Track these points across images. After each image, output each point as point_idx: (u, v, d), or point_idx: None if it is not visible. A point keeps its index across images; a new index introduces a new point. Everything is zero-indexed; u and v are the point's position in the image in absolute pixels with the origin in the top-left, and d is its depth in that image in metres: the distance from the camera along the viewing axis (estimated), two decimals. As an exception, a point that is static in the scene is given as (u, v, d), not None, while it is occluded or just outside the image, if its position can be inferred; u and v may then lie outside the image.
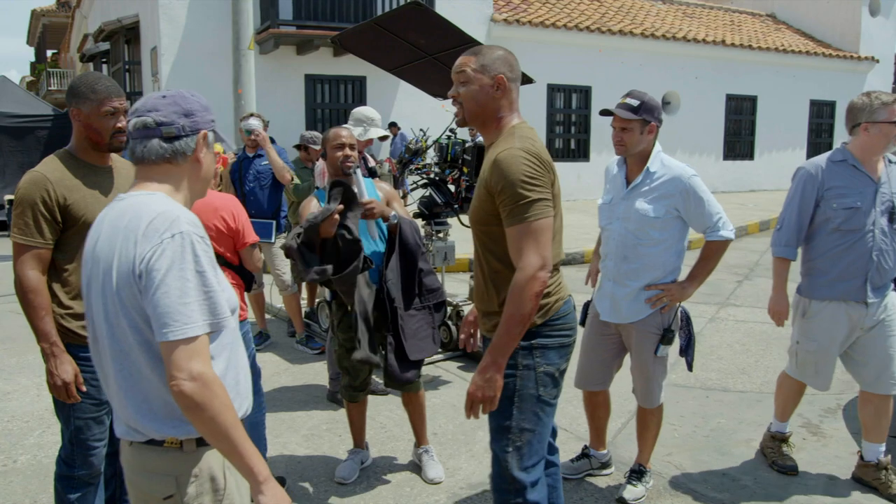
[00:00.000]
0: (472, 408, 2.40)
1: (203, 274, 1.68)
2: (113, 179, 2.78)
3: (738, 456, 4.03)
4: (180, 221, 1.69)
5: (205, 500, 1.79)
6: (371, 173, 4.86)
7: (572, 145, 17.53)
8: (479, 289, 2.59)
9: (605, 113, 3.39)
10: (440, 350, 3.83)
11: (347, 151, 3.65)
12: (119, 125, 2.67)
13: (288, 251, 3.39)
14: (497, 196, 2.33)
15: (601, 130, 17.26)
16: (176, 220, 1.68)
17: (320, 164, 4.80)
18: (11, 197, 10.24)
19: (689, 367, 3.54)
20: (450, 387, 5.13)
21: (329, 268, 3.41)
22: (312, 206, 3.71)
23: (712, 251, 3.39)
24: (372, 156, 5.49)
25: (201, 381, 1.62)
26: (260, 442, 3.59)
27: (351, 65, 13.65)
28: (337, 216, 3.37)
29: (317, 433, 4.40)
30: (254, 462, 1.68)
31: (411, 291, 3.66)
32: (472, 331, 2.96)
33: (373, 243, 3.68)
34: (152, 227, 1.67)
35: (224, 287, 1.77)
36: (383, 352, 3.66)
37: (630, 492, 3.54)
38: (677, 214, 3.31)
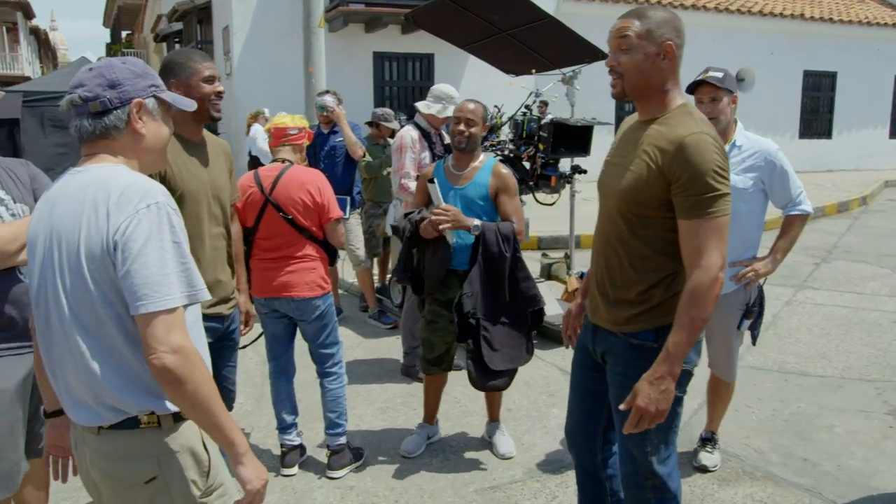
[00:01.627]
0: (639, 423, 2.17)
1: (180, 245, 1.63)
2: (207, 153, 2.85)
3: (820, 441, 3.93)
4: (154, 192, 1.63)
5: (190, 474, 1.73)
6: (447, 150, 4.86)
7: (641, 123, 17.16)
8: (612, 274, 2.34)
9: (692, 87, 3.33)
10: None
11: (461, 127, 3.59)
12: (218, 90, 2.74)
13: (396, 231, 3.49)
14: (678, 183, 2.11)
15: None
16: (150, 191, 1.63)
17: (397, 140, 4.83)
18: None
19: (754, 341, 3.64)
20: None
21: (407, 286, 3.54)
22: (431, 173, 3.65)
23: (794, 224, 3.47)
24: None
25: (182, 354, 1.56)
26: (341, 415, 3.67)
27: (419, 42, 13.64)
28: (438, 229, 3.42)
29: (391, 406, 4.48)
30: (234, 435, 1.66)
31: (498, 301, 3.50)
32: (575, 326, 2.72)
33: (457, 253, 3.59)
34: (125, 197, 1.60)
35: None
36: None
37: (709, 458, 3.66)
38: (762, 187, 3.39)
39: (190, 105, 1.89)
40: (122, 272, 1.57)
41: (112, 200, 1.59)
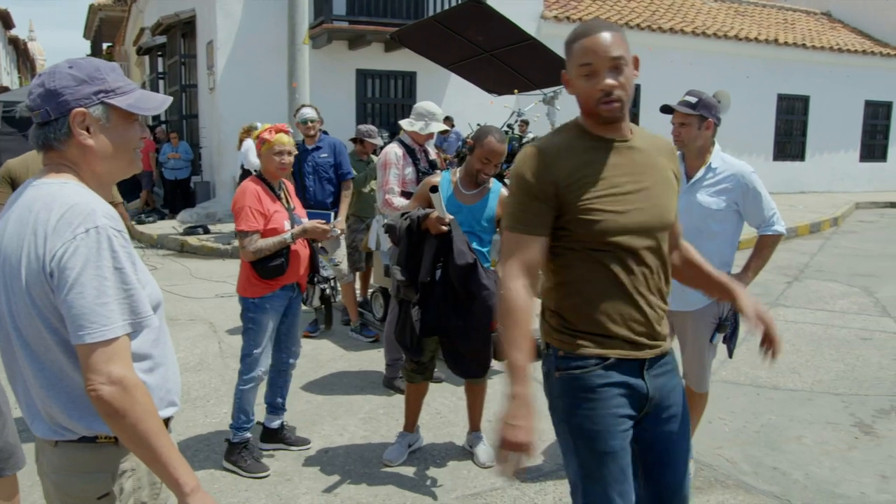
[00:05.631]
0: None
1: (122, 271, 1.53)
2: None
3: (790, 452, 4.07)
4: (95, 214, 1.53)
5: (142, 494, 1.71)
6: (432, 166, 4.98)
7: (619, 143, 17.42)
8: None
9: (665, 109, 3.48)
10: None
11: (490, 169, 3.72)
12: None
13: (389, 230, 3.54)
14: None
15: (651, 129, 17.17)
16: (91, 214, 1.53)
17: (382, 156, 4.93)
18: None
19: (730, 355, 3.71)
20: (502, 376, 5.24)
21: (400, 274, 3.60)
22: (435, 181, 3.76)
23: (766, 244, 3.56)
24: (439, 147, 5.60)
25: (120, 386, 1.49)
26: (284, 388, 4.09)
27: (402, 60, 13.79)
28: (444, 226, 3.48)
29: (374, 416, 4.56)
30: (179, 472, 1.56)
31: (458, 314, 3.69)
32: None
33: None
34: (64, 220, 1.51)
35: (146, 282, 1.64)
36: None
37: None
38: (736, 208, 3.49)
39: (160, 106, 1.71)
40: (59, 300, 1.51)
41: (51, 224, 1.52)
